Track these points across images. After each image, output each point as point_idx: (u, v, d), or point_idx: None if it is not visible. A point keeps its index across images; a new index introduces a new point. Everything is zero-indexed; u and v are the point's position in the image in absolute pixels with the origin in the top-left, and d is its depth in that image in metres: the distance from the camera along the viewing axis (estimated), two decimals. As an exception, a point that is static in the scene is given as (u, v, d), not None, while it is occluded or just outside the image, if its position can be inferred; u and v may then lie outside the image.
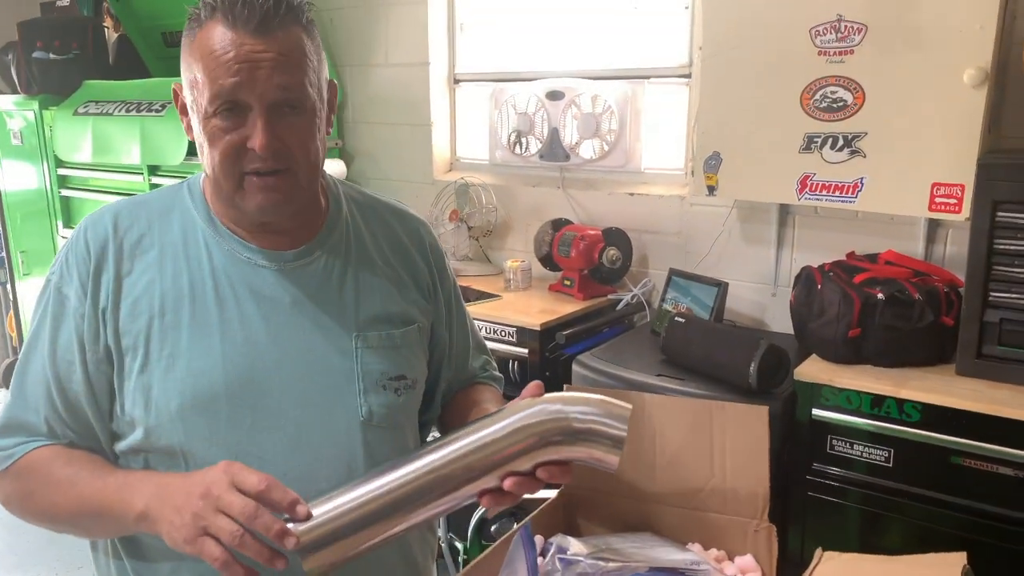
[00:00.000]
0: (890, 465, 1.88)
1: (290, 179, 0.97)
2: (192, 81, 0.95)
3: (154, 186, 3.02)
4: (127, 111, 3.05)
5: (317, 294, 1.04)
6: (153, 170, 3.03)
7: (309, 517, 0.83)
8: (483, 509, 1.55)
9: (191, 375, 0.97)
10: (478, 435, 0.87)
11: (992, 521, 1.77)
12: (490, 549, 1.13)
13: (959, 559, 1.00)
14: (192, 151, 2.77)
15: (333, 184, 1.13)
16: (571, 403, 0.88)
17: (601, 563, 1.08)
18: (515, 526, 1.30)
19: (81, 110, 3.24)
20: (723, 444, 1.21)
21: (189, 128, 1.01)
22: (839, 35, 2.03)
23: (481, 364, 1.28)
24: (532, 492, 0.89)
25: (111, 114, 3.12)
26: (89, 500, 0.94)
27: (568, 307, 2.55)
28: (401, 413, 1.09)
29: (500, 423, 0.88)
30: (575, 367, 2.25)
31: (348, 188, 1.16)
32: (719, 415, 1.21)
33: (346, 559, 0.84)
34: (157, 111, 2.92)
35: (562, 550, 1.13)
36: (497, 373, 1.31)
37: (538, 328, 2.36)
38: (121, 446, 1.00)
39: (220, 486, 0.83)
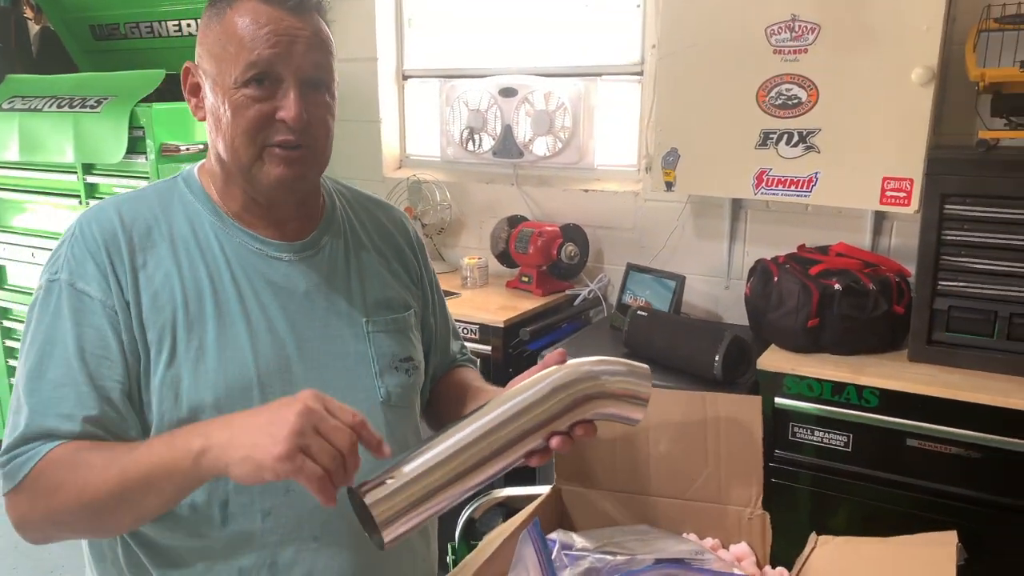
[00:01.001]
0: (849, 450, 1.95)
1: (309, 156, 0.99)
2: (219, 55, 0.96)
3: (89, 186, 2.89)
4: (58, 107, 2.89)
5: (327, 282, 1.06)
6: (88, 169, 2.89)
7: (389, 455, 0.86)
8: (471, 509, 1.56)
9: (223, 366, 0.97)
10: (520, 398, 0.91)
11: (945, 499, 1.85)
12: (494, 548, 1.12)
13: (951, 538, 1.04)
14: (132, 149, 2.66)
15: (323, 177, 1.15)
16: (599, 365, 0.95)
17: (608, 557, 1.09)
18: (500, 522, 1.30)
19: (6, 106, 3.06)
20: (717, 435, 1.23)
21: (197, 108, 1.02)
22: (793, 34, 2.09)
23: (459, 348, 1.32)
24: (566, 450, 0.94)
25: (40, 110, 2.96)
26: (133, 467, 0.85)
27: (527, 303, 2.56)
28: (413, 392, 1.13)
29: (537, 387, 0.92)
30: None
31: (334, 182, 1.19)
32: (712, 406, 1.23)
33: (417, 528, 0.86)
34: (92, 107, 2.78)
35: (567, 546, 1.13)
36: (472, 356, 1.35)
37: (501, 325, 2.36)
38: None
39: (319, 410, 0.80)
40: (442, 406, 1.23)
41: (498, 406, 0.91)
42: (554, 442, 0.92)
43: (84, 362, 0.93)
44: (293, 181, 0.99)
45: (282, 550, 0.98)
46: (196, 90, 1.02)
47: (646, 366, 0.98)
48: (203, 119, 1.01)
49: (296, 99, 0.95)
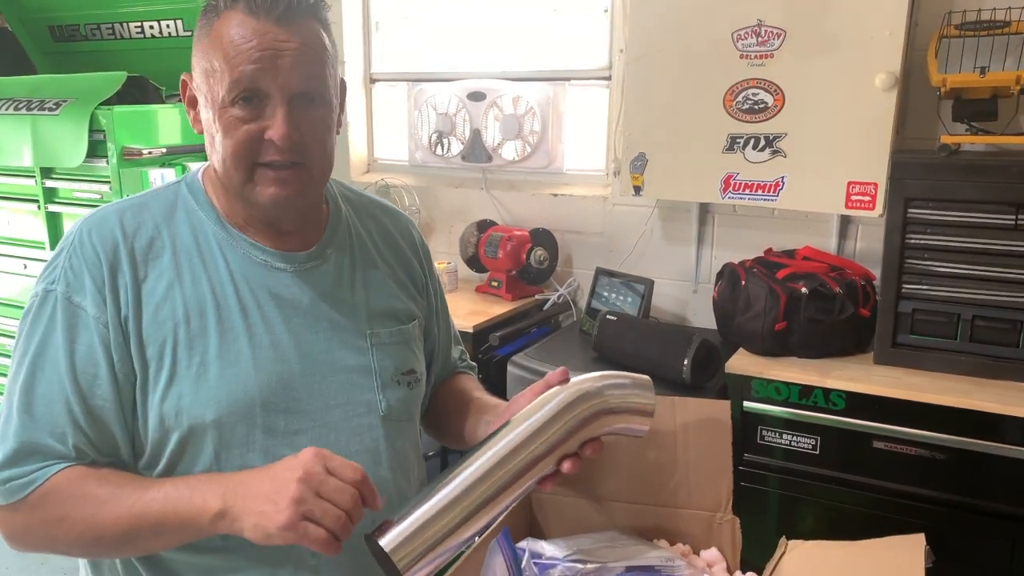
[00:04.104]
0: (817, 452, 1.96)
1: (304, 173, 0.96)
2: (208, 70, 0.93)
3: (48, 190, 2.82)
4: (15, 109, 2.81)
5: (331, 294, 1.05)
6: (47, 173, 2.82)
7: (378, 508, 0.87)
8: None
9: (225, 383, 0.95)
10: (527, 424, 0.91)
11: (910, 500, 1.87)
12: (462, 557, 1.11)
13: (919, 541, 1.04)
14: (93, 153, 2.60)
15: (328, 183, 1.12)
16: (602, 381, 0.95)
17: (578, 565, 1.08)
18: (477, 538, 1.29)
19: (-40, 108, 2.99)
20: (686, 439, 1.23)
21: (196, 120, 0.99)
22: (760, 39, 2.10)
23: (459, 354, 1.31)
24: (576, 471, 0.94)
25: (-4, 113, 2.89)
26: (146, 512, 0.88)
27: (497, 308, 2.55)
28: (413, 405, 1.12)
29: (543, 411, 0.92)
30: (510, 368, 2.24)
31: (340, 186, 1.16)
32: (681, 410, 1.23)
33: (438, 567, 0.86)
34: (51, 110, 2.71)
35: (536, 555, 1.12)
36: (472, 362, 1.34)
37: (471, 330, 2.35)
38: (145, 460, 0.97)
39: (319, 473, 0.83)
40: (441, 414, 1.21)
41: (506, 435, 0.90)
42: (566, 466, 0.92)
43: (75, 378, 0.92)
44: (287, 199, 0.96)
45: (281, 568, 0.98)
46: (194, 102, 0.99)
47: (647, 377, 0.98)
48: (201, 132, 0.98)
49: (284, 117, 0.91)
